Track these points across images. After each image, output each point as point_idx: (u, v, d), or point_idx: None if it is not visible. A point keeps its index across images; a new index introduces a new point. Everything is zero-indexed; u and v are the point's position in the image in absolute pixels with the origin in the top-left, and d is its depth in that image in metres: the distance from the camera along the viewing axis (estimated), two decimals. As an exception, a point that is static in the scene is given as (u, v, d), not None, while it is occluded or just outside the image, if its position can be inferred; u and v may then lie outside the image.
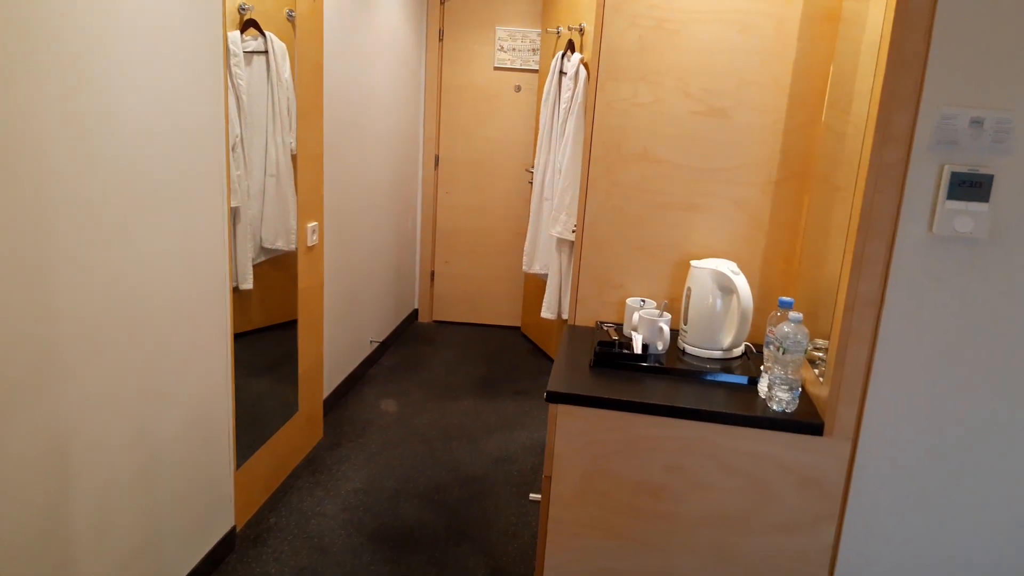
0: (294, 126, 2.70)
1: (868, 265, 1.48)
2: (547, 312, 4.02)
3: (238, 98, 2.43)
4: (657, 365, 1.79)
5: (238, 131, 2.42)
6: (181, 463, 2.01)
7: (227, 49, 2.17)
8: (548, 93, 3.97)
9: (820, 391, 1.62)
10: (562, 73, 3.88)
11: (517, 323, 4.84)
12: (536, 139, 4.33)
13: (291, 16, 2.64)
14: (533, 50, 4.46)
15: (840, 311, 1.53)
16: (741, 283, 1.78)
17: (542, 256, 4.12)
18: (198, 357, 2.05)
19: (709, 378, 1.76)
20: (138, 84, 1.68)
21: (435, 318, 4.91)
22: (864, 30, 1.79)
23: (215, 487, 2.22)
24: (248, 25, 2.46)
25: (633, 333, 1.84)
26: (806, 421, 1.58)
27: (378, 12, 3.62)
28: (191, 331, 2.00)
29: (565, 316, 3.97)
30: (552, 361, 4.26)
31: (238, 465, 2.37)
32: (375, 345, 4.03)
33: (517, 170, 4.63)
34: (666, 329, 1.82)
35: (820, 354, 1.75)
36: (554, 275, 3.97)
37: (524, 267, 4.23)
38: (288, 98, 2.67)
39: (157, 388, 1.87)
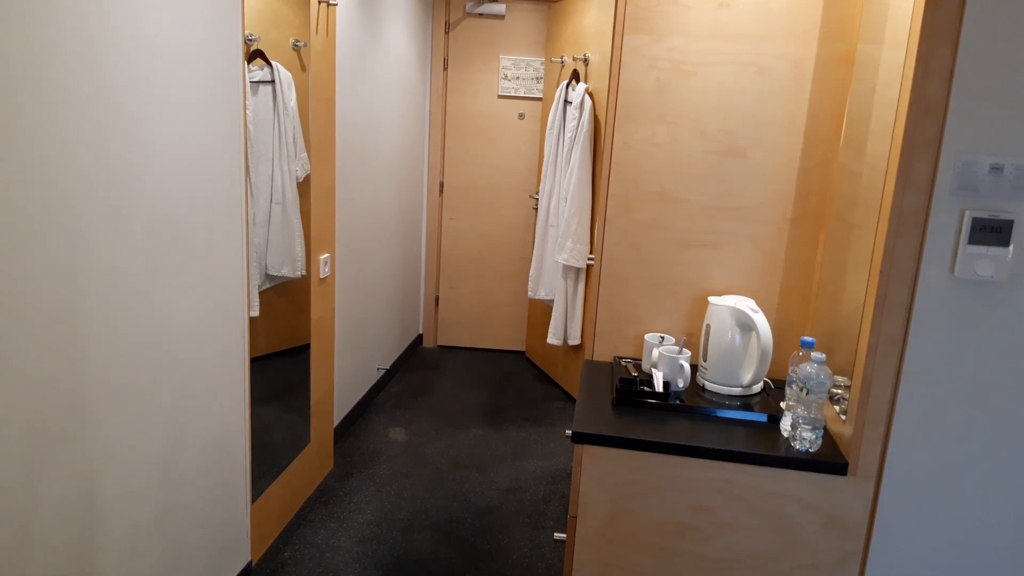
0: (299, 154, 2.72)
1: (891, 307, 1.50)
2: (553, 338, 4.04)
3: (244, 127, 2.45)
4: (679, 403, 1.81)
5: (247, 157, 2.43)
6: (200, 501, 2.01)
7: (245, 84, 2.20)
8: (553, 122, 4.01)
9: (843, 430, 1.64)
10: (567, 102, 3.93)
11: (522, 348, 4.86)
12: (540, 166, 4.37)
13: (296, 46, 2.67)
14: (537, 79, 4.51)
15: (863, 352, 1.55)
16: (760, 321, 1.80)
17: (547, 282, 4.15)
18: (218, 397, 2.06)
19: (730, 416, 1.77)
20: (163, 128, 1.70)
21: (440, 343, 4.92)
22: (878, 72, 1.83)
23: (232, 523, 2.21)
24: (255, 55, 2.49)
25: (654, 371, 1.86)
26: (830, 461, 1.59)
27: (386, 44, 3.66)
28: (212, 372, 2.01)
29: (571, 342, 3.99)
30: (558, 386, 4.28)
31: (254, 498, 2.37)
32: (382, 372, 4.04)
33: (521, 196, 4.67)
34: (686, 367, 1.84)
35: (840, 391, 1.77)
36: (560, 301, 4.00)
37: (529, 293, 4.26)
38: (294, 126, 2.69)
39: (179, 430, 1.87)
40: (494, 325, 4.86)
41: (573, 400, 4.12)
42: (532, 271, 4.22)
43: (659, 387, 1.80)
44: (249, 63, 2.46)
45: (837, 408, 1.73)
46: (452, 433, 3.59)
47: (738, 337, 1.85)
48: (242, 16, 2.04)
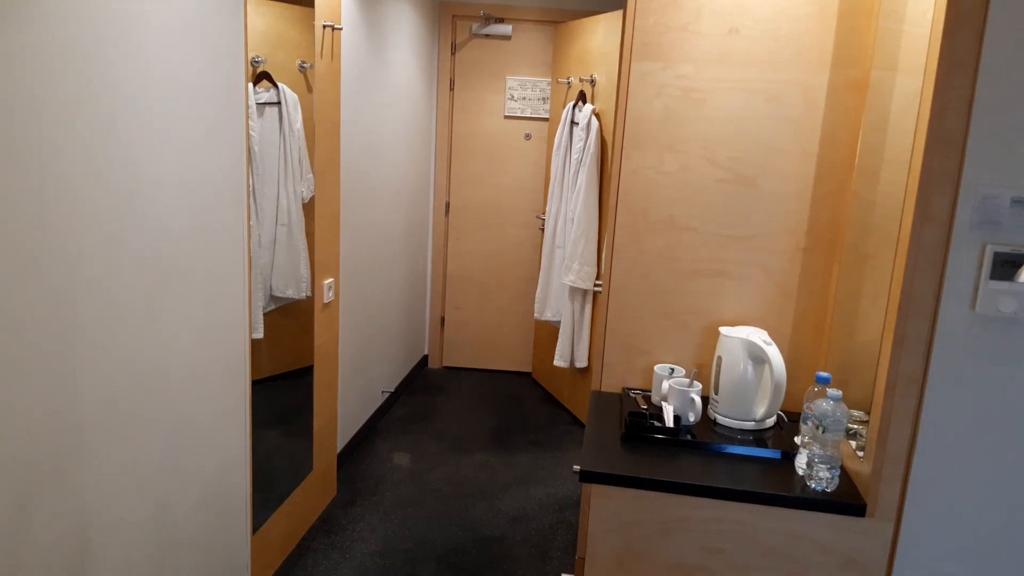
0: (306, 175, 2.70)
1: (910, 344, 1.46)
2: (560, 360, 3.99)
3: (250, 149, 2.43)
4: (690, 438, 1.76)
5: (250, 182, 2.41)
6: (199, 535, 1.97)
7: (248, 109, 2.18)
8: (559, 142, 3.99)
9: (861, 468, 1.59)
10: (573, 123, 3.90)
11: (528, 369, 4.81)
12: (547, 187, 4.34)
13: (303, 67, 2.66)
14: (543, 99, 4.49)
15: (881, 388, 1.50)
16: (774, 353, 1.76)
17: (554, 303, 4.11)
18: (217, 427, 2.02)
19: (743, 452, 1.72)
20: (163, 155, 1.67)
21: (445, 364, 4.87)
22: (891, 99, 1.79)
23: (232, 556, 2.17)
24: (260, 77, 2.48)
25: (664, 404, 1.81)
26: (848, 502, 1.54)
27: (392, 65, 3.65)
28: (212, 402, 1.97)
29: (578, 364, 3.94)
30: (564, 409, 4.22)
31: (254, 529, 2.32)
32: (386, 395, 3.99)
33: (528, 217, 4.64)
34: (697, 400, 1.79)
35: (857, 426, 1.72)
36: (567, 323, 3.95)
37: (536, 314, 4.21)
38: (300, 147, 2.68)
39: (176, 463, 1.83)
40: (500, 346, 4.82)
41: (580, 423, 4.06)
42: (539, 292, 4.18)
43: (669, 421, 1.76)
44: (255, 85, 2.44)
45: (853, 444, 1.68)
46: (457, 458, 3.54)
47: (750, 370, 1.80)
48: (245, 42, 2.02)
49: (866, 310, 1.86)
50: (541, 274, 4.17)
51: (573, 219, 3.82)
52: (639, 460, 1.65)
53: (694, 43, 1.88)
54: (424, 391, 4.44)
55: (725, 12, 1.85)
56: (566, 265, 3.86)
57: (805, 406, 1.61)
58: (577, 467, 1.64)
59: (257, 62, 2.46)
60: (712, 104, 1.89)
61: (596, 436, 1.76)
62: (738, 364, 1.80)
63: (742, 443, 1.75)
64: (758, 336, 1.79)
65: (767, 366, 1.78)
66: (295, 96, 2.64)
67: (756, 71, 1.87)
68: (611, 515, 1.60)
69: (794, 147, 1.89)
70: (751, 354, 1.79)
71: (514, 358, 4.82)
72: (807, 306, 1.95)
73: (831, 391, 1.54)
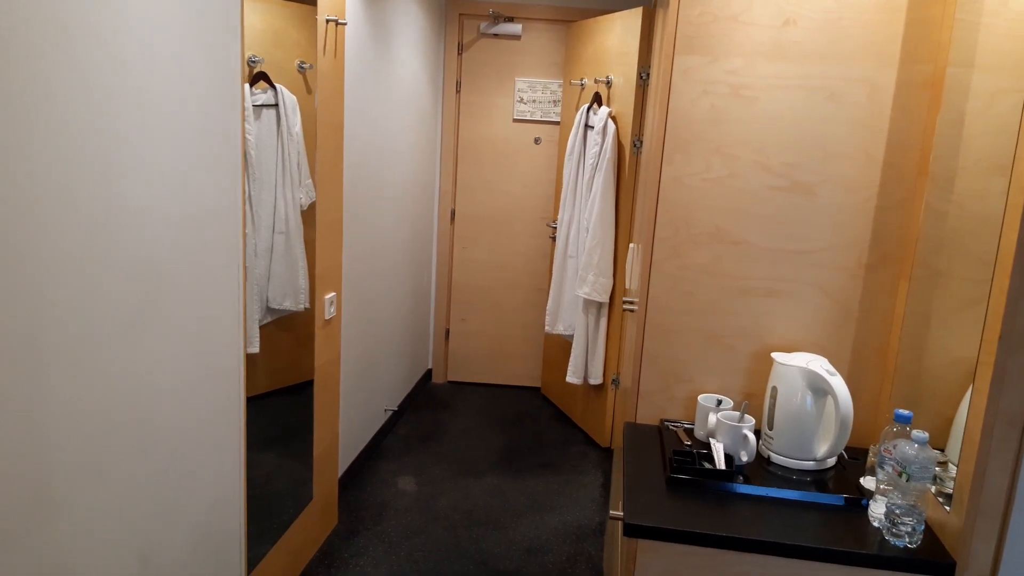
0: (304, 181, 2.50)
1: (1012, 380, 1.25)
2: (573, 377, 3.78)
3: (246, 153, 2.27)
4: (742, 479, 1.55)
5: (247, 188, 2.25)
6: (187, 585, 1.75)
7: (244, 114, 1.99)
8: (572, 147, 3.79)
9: (947, 520, 1.38)
10: (587, 127, 3.70)
11: (537, 384, 4.59)
12: (558, 193, 4.14)
13: (302, 68, 2.47)
14: (554, 102, 4.29)
15: (976, 431, 1.30)
16: (839, 385, 1.55)
17: (566, 316, 3.90)
18: (209, 463, 1.80)
19: (805, 499, 1.51)
20: (150, 162, 1.46)
21: (450, 378, 4.66)
22: (968, 99, 1.60)
23: (224, 604, 1.95)
24: (258, 78, 2.31)
25: (713, 442, 1.60)
26: (935, 560, 1.33)
27: (396, 66, 3.45)
28: (203, 438, 1.76)
29: (592, 382, 3.73)
30: (577, 427, 4.01)
31: (249, 568, 2.10)
32: (390, 413, 3.78)
33: (538, 225, 4.43)
34: (751, 438, 1.58)
35: (938, 469, 1.51)
36: (580, 338, 3.74)
37: (547, 327, 4.01)
38: (298, 152, 2.49)
39: (164, 506, 1.62)
40: (508, 360, 4.60)
41: (594, 444, 3.85)
42: (550, 304, 3.97)
43: (720, 462, 1.55)
44: (252, 86, 2.27)
45: (933, 488, 1.47)
46: (466, 482, 3.32)
47: (811, 403, 1.60)
48: (242, 49, 1.81)
49: (937, 334, 1.66)
50: (552, 285, 3.96)
51: (588, 228, 3.62)
52: (688, 508, 1.45)
53: (745, 35, 1.68)
54: (428, 408, 4.23)
55: (780, 0, 1.65)
56: (580, 276, 3.66)
57: (882, 448, 1.40)
58: (616, 514, 1.44)
59: (254, 62, 2.30)
60: (764, 103, 1.69)
61: (636, 478, 1.55)
62: (796, 396, 1.60)
63: (802, 486, 1.54)
64: (819, 365, 1.59)
65: (829, 399, 1.58)
66: (294, 98, 2.47)
67: (815, 66, 1.67)
68: (660, 574, 1.39)
69: (857, 152, 1.69)
70: (812, 385, 1.59)
71: (522, 373, 4.61)
72: (870, 329, 1.75)
73: (916, 433, 1.34)
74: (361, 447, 3.36)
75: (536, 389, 4.59)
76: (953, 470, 1.48)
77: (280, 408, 2.58)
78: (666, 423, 1.81)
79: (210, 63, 1.65)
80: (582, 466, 3.57)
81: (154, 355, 1.53)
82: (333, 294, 2.68)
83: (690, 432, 1.76)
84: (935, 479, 1.49)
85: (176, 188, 1.56)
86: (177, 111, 1.54)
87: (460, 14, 4.24)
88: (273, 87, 2.38)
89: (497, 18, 4.21)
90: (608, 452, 3.73)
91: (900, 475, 1.34)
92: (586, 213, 3.65)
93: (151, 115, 1.45)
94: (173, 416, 1.62)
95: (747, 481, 1.54)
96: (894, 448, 1.36)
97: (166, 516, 1.63)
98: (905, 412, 1.39)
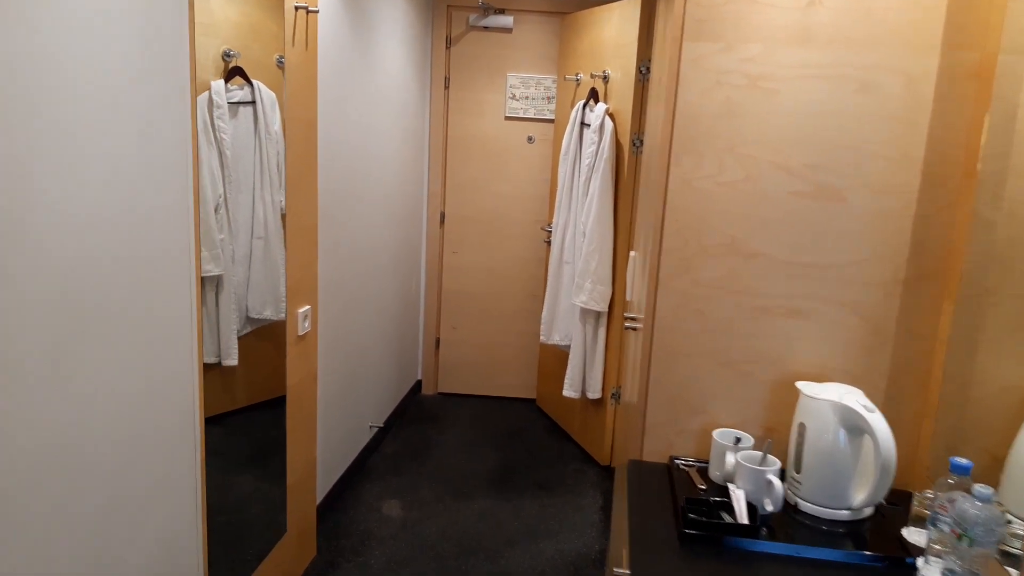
0: (284, 182, 2.29)
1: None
2: (570, 391, 3.56)
3: (221, 153, 2.07)
4: (767, 532, 1.34)
5: (221, 190, 2.05)
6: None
7: (211, 101, 1.80)
8: (568, 146, 3.57)
9: (1012, 589, 1.17)
10: (584, 124, 3.49)
11: (532, 395, 4.37)
12: (553, 195, 3.92)
13: (281, 63, 2.26)
14: (548, 98, 4.07)
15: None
16: (879, 424, 1.33)
17: (562, 326, 3.68)
18: (161, 497, 1.58)
19: (840, 559, 1.30)
20: (75, 154, 1.24)
21: (440, 390, 4.43)
22: (1022, 90, 1.38)
23: (178, 664, 1.73)
24: (233, 73, 2.10)
25: (732, 488, 1.39)
26: (1001, 639, 1.12)
27: (378, 59, 3.22)
28: (152, 470, 1.54)
29: (590, 395, 3.52)
30: (574, 442, 3.79)
31: (211, 619, 1.88)
32: (375, 430, 3.55)
33: (531, 228, 4.21)
34: (776, 484, 1.37)
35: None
36: (577, 349, 3.53)
37: (542, 337, 3.79)
38: (278, 152, 2.28)
39: (107, 551, 1.40)
40: (501, 370, 4.38)
41: (591, 460, 3.63)
42: (545, 313, 3.75)
43: (742, 515, 1.33)
44: (227, 81, 2.07)
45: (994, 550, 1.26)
46: (455, 506, 3.10)
47: (845, 442, 1.38)
48: (191, 24, 1.59)
49: (986, 360, 1.45)
50: (548, 293, 3.74)
51: (585, 232, 3.40)
52: (705, 568, 1.23)
53: (764, 18, 1.46)
54: (417, 422, 4.00)
55: (805, -23, 1.44)
56: (577, 284, 3.44)
57: (937, 503, 1.19)
58: (622, 572, 1.22)
59: (229, 56, 2.10)
60: (787, 96, 1.47)
61: (643, 529, 1.34)
62: (828, 435, 1.38)
63: (836, 541, 1.33)
64: (854, 399, 1.37)
65: (866, 437, 1.36)
66: (272, 95, 2.27)
67: (843, 54, 1.45)
68: (673, 654, 1.18)
69: (892, 151, 1.47)
70: (846, 423, 1.37)
71: (516, 383, 4.39)
72: (908, 353, 1.53)
73: (978, 489, 1.12)
74: (343, 468, 3.13)
75: (531, 401, 4.37)
76: (1018, 525, 1.27)
77: (260, 423, 2.38)
78: (676, 461, 1.59)
79: (153, 39, 1.43)
80: (579, 486, 3.35)
81: (87, 377, 1.31)
82: (307, 307, 2.46)
83: (704, 473, 1.54)
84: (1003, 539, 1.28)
85: (110, 184, 1.33)
86: (107, 109, 1.31)
87: (448, 6, 4.02)
88: (250, 83, 2.19)
89: (487, 10, 3.99)
90: (608, 470, 3.51)
91: (960, 538, 1.12)
92: (583, 217, 3.44)
93: (76, 103, 1.23)
94: (113, 446, 1.40)
95: (772, 536, 1.33)
96: (951, 504, 1.15)
97: (111, 561, 1.41)
98: (963, 461, 1.18)
